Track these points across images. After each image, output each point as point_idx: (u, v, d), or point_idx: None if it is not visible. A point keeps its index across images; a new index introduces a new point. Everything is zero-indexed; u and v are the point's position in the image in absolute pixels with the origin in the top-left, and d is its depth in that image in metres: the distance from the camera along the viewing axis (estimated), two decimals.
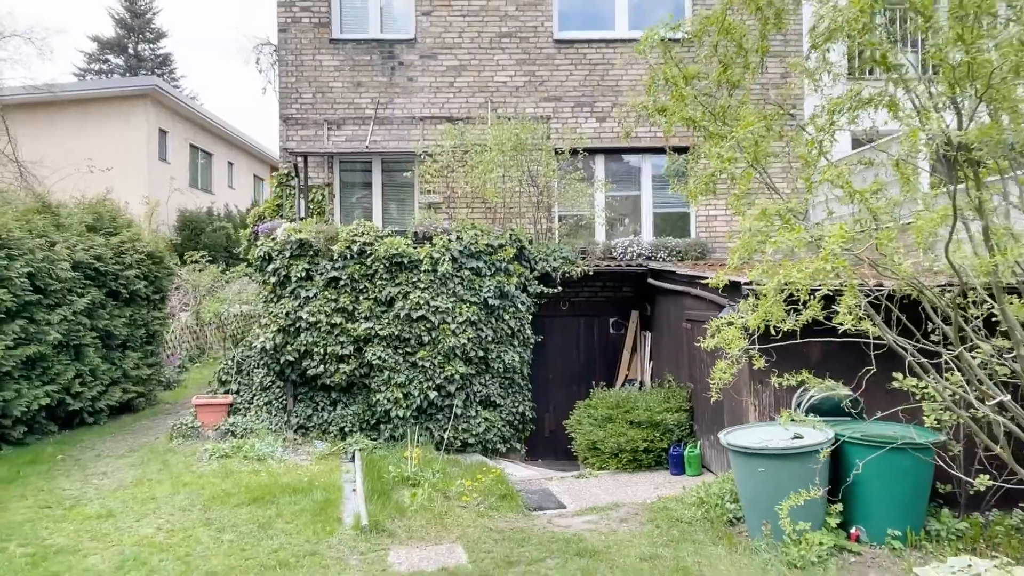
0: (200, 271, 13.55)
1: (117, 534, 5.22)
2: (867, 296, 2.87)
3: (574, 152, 9.33)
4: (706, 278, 4.94)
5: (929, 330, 4.12)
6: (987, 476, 4.23)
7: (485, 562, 4.74)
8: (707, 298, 6.67)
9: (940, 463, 4.87)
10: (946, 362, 3.15)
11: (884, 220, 2.77)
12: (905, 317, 3.76)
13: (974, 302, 2.95)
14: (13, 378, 7.42)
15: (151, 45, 36.88)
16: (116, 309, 9.12)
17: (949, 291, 3.79)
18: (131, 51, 36.22)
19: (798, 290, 2.54)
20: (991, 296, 3.58)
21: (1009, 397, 2.76)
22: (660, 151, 9.58)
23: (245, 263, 12.18)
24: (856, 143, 9.30)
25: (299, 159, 9.46)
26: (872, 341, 3.96)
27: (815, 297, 2.50)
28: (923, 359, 2.77)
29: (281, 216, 9.72)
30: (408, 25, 10.10)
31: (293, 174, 9.77)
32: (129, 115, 18.07)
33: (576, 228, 10.04)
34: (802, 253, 2.40)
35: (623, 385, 9.15)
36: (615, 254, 9.33)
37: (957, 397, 3.08)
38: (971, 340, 2.70)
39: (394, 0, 10.20)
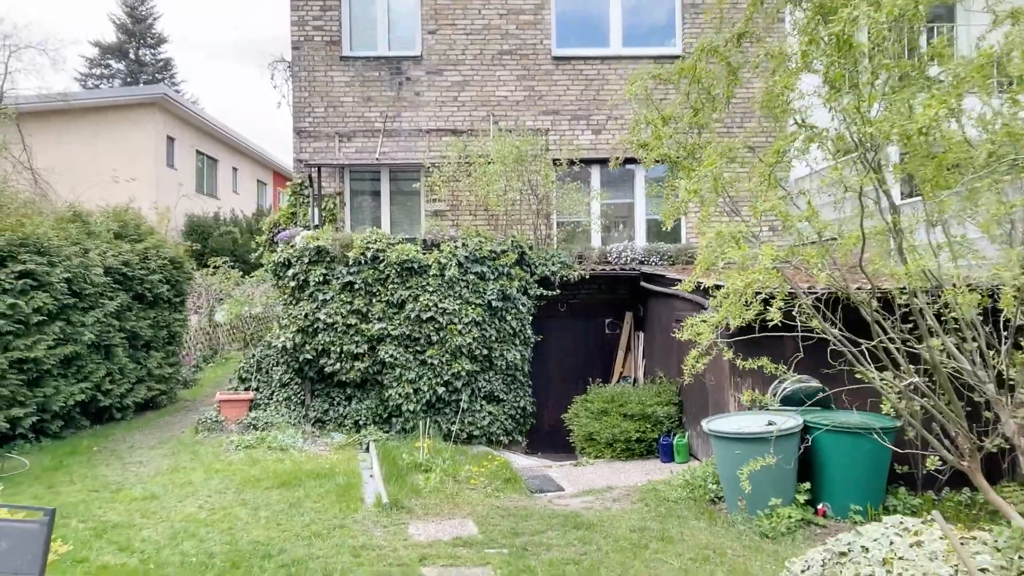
0: (212, 275, 14.19)
1: (164, 512, 5.89)
2: (813, 298, 3.56)
3: (571, 163, 10.02)
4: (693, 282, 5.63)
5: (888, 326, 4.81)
6: (937, 458, 4.94)
7: (494, 533, 5.43)
8: (693, 300, 7.37)
9: (903, 447, 5.55)
10: (899, 353, 3.81)
11: (825, 236, 3.46)
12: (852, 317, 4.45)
13: (893, 301, 3.65)
14: (52, 375, 8.09)
15: (152, 50, 37.52)
16: (141, 311, 9.78)
17: (905, 292, 4.49)
18: (132, 56, 36.83)
19: (753, 293, 3.22)
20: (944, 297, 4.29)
21: (920, 379, 3.44)
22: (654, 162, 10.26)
23: (259, 267, 12.87)
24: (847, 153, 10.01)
25: (313, 170, 10.13)
26: (838, 336, 4.65)
27: (757, 299, 3.17)
28: (851, 347, 3.43)
29: (295, 223, 10.39)
30: (415, 43, 10.80)
31: (307, 184, 10.44)
32: (139, 123, 18.74)
33: (573, 234, 10.74)
34: (750, 263, 3.06)
35: (618, 382, 9.83)
36: (610, 258, 9.99)
37: (900, 387, 3.77)
38: (886, 334, 3.36)
39: (401, 19, 10.91)
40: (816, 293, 3.49)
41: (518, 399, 9.09)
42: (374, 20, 10.85)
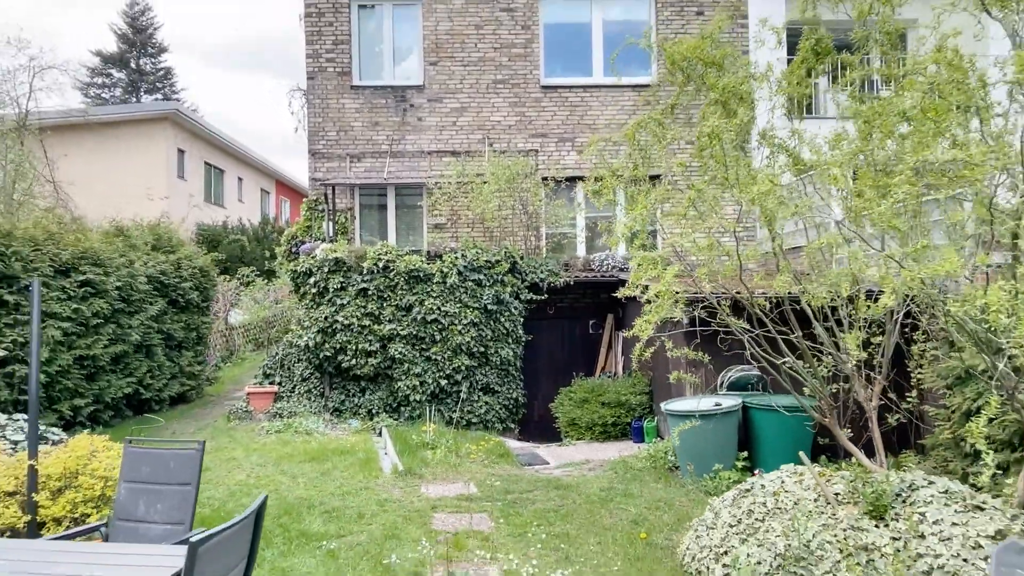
0: (229, 281, 15.59)
1: (218, 479, 7.29)
2: (714, 299, 5.00)
3: (557, 181, 11.46)
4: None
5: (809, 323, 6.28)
6: (848, 430, 6.39)
7: (490, 492, 6.86)
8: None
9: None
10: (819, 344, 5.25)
11: (729, 257, 4.90)
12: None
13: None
14: (106, 371, 9.49)
15: (152, 60, 38.85)
16: (175, 315, 11.19)
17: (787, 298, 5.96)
18: (133, 66, 38.18)
19: (668, 297, 4.66)
20: (851, 300, 5.78)
21: (793, 359, 4.87)
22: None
23: (270, 273, 14.30)
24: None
25: (328, 189, 11.56)
26: (737, 327, 6.10)
27: (667, 303, 4.61)
28: (740, 336, 4.86)
29: (311, 236, 11.81)
30: (418, 73, 12.26)
31: (321, 200, 11.87)
32: (151, 136, 20.13)
33: (560, 244, 12.20)
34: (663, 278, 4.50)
35: (600, 376, 11.27)
36: (593, 266, 11.43)
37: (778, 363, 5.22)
38: (765, 326, 4.79)
39: (405, 52, 12.37)
40: (718, 296, 4.93)
41: (511, 391, 10.52)
42: (381, 53, 12.32)
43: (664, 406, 7.57)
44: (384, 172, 11.89)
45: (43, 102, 19.22)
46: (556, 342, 11.61)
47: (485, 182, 10.79)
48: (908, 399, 6.65)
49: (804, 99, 5.03)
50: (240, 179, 24.76)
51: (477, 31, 12.21)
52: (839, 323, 5.04)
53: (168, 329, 10.91)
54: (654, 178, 8.28)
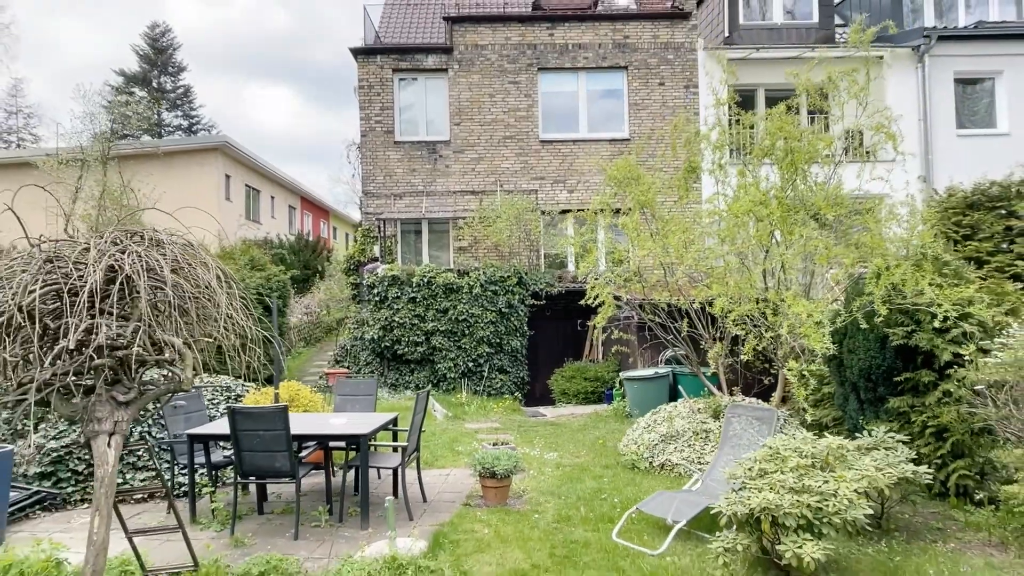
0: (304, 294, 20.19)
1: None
2: (637, 305, 9.59)
3: (552, 214, 16.07)
4: (621, 297, 11.79)
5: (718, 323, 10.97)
6: (738, 388, 11.02)
7: (509, 426, 11.49)
8: (624, 308, 13.46)
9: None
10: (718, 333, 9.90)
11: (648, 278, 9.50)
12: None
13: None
14: (231, 358, 14.11)
15: (172, 78, 43.54)
16: (267, 317, 15.82)
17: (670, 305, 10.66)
18: (154, 84, 42.84)
19: (611, 302, 9.20)
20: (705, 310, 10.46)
21: (675, 336, 9.46)
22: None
23: (307, 283, 18.85)
24: None
25: (380, 222, 16.22)
26: (647, 318, 10.74)
27: (608, 307, 9.13)
28: (660, 333, 9.47)
29: (365, 257, 16.44)
30: (445, 131, 16.91)
31: (373, 229, 16.51)
32: (204, 164, 24.72)
33: (555, 262, 16.84)
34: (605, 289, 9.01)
35: (585, 361, 15.90)
36: (580, 279, 16.02)
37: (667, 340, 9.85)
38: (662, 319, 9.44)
39: (435, 116, 17.03)
40: (640, 302, 9.56)
41: (519, 372, 15.15)
42: (417, 116, 16.98)
43: (622, 374, 12.22)
44: (421, 209, 16.54)
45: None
46: (552, 337, 16.24)
47: (499, 217, 15.44)
48: (774, 368, 11.27)
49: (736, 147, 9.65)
50: (272, 198, 29.39)
51: (491, 99, 16.87)
52: (701, 315, 9.67)
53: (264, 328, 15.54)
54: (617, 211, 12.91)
